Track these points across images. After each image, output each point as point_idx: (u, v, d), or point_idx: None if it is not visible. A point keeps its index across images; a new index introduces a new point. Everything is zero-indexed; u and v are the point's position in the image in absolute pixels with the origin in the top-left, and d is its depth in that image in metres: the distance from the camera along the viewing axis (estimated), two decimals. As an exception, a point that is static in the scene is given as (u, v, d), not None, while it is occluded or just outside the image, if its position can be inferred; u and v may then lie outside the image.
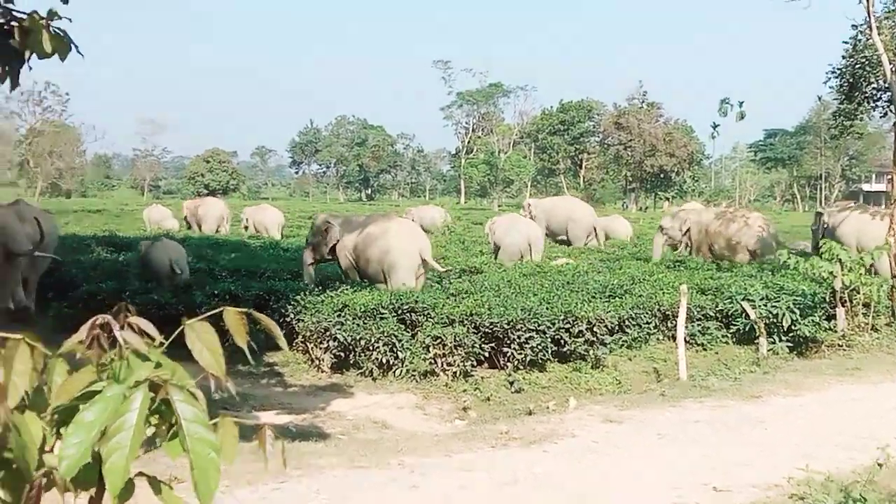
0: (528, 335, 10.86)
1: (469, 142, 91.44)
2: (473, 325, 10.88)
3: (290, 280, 14.29)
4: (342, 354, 11.02)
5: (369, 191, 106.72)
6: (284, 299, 12.23)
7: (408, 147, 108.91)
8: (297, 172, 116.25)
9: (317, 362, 11.12)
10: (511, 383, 10.53)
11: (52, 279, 14.32)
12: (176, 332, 1.68)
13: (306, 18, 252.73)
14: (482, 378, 10.73)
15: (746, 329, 12.63)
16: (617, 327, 12.04)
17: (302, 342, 11.29)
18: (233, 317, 1.75)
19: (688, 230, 20.45)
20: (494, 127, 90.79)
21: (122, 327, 1.69)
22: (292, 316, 11.44)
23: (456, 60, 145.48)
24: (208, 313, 1.78)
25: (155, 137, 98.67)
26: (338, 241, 14.54)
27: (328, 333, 10.94)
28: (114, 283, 13.28)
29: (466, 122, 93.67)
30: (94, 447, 1.52)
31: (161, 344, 1.70)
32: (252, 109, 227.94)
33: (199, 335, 1.68)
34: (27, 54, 4.45)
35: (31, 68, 4.66)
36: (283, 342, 1.96)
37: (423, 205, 42.50)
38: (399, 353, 10.72)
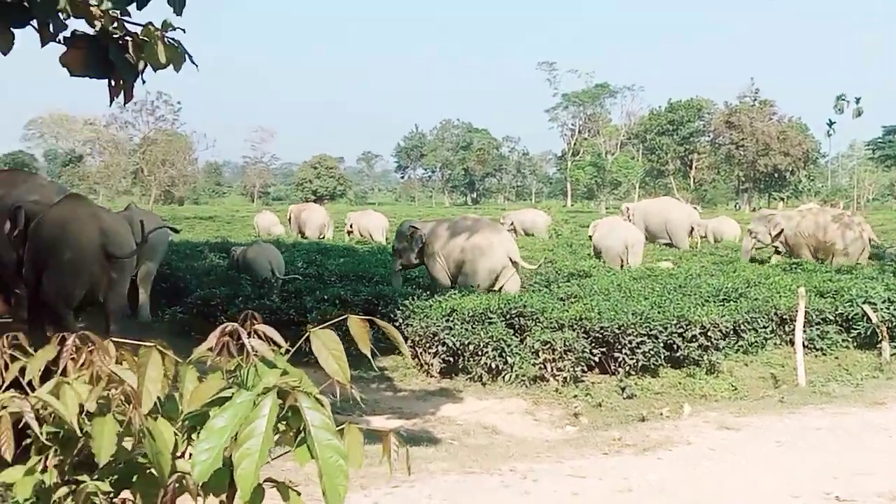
0: (639, 340, 10.72)
1: (575, 144, 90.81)
2: (583, 329, 10.77)
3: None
4: (451, 359, 11.02)
5: (475, 195, 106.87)
6: (393, 304, 12.31)
7: (513, 150, 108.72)
8: (402, 177, 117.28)
9: (426, 367, 11.15)
10: (623, 389, 10.39)
11: (166, 285, 14.71)
12: (301, 340, 1.69)
13: (411, 21, 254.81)
14: (593, 383, 10.62)
15: (868, 333, 12.22)
16: (732, 332, 11.77)
17: (411, 347, 11.33)
18: (356, 324, 1.76)
19: (778, 233, 20.06)
20: (601, 128, 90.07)
21: (249, 335, 1.71)
22: (401, 320, 11.50)
23: (561, 61, 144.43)
24: (332, 320, 1.79)
25: (264, 145, 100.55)
26: (423, 245, 14.66)
27: (437, 338, 10.96)
28: (226, 289, 13.55)
29: (572, 124, 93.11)
30: (224, 453, 1.54)
31: (287, 351, 1.71)
32: (358, 114, 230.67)
33: (324, 343, 1.69)
34: (141, 66, 4.56)
35: (144, 81, 4.77)
36: (404, 349, 1.96)
37: (526, 208, 42.20)
38: (508, 357, 10.67)
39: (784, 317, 12.43)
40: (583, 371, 10.66)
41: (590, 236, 23.13)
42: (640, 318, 10.87)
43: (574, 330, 10.74)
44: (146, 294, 13.98)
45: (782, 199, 75.63)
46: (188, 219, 45.35)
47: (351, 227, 32.05)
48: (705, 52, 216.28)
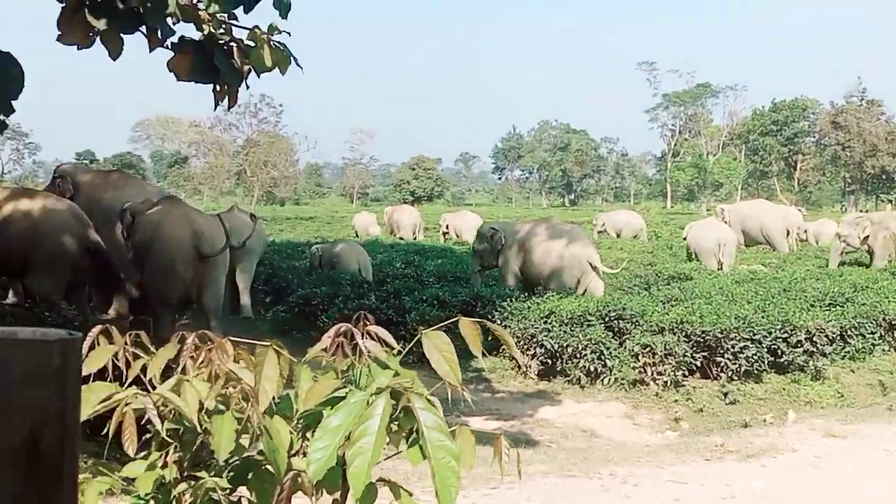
0: (742, 344, 10.52)
1: (675, 144, 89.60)
2: (684, 333, 10.62)
3: (495, 286, 14.37)
4: (549, 361, 10.98)
5: (572, 196, 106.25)
6: (491, 305, 12.32)
7: (611, 151, 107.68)
8: (499, 178, 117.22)
9: (524, 369, 11.13)
10: (725, 394, 10.21)
11: (269, 285, 15.00)
12: (413, 342, 1.71)
13: (508, 22, 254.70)
14: (694, 388, 10.46)
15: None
16: (838, 337, 11.46)
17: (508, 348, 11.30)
18: (468, 326, 1.77)
19: (867, 236, 19.46)
20: (702, 129, 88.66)
21: (362, 336, 1.74)
22: (499, 322, 11.49)
23: (661, 61, 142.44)
24: (443, 323, 1.80)
25: (363, 146, 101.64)
26: (502, 247, 14.71)
27: (535, 340, 10.94)
28: (327, 289, 13.72)
29: (672, 125, 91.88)
30: (338, 451, 1.56)
31: (398, 352, 1.74)
32: (456, 116, 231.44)
33: (436, 345, 1.71)
34: (246, 71, 4.66)
35: (248, 87, 4.86)
36: (516, 353, 1.98)
37: (619, 210, 41.64)
38: (607, 361, 10.59)
39: (893, 322, 12.08)
40: (684, 375, 10.51)
41: (684, 237, 22.85)
42: (744, 323, 10.68)
43: (675, 333, 10.61)
44: (247, 293, 14.35)
45: (890, 200, 73.35)
46: (289, 219, 46.14)
47: (446, 227, 32.18)
48: (811, 51, 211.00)
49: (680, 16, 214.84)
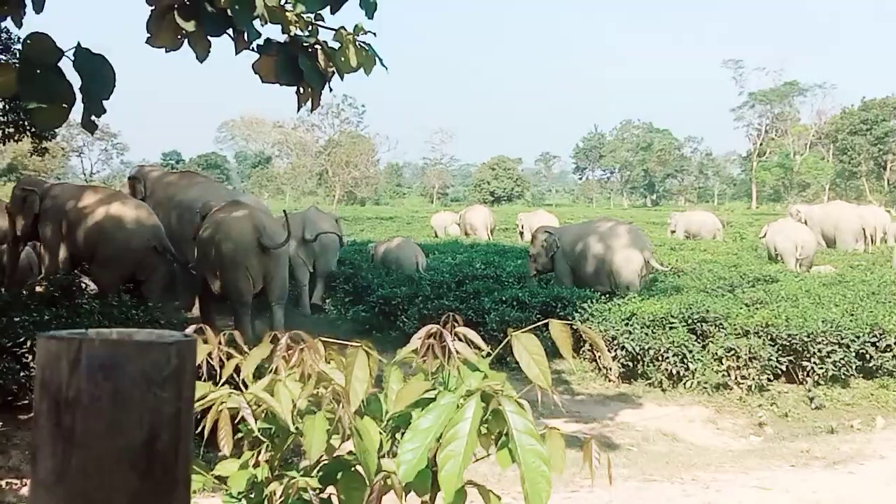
0: (829, 349, 10.30)
1: (761, 144, 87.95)
2: (769, 336, 10.44)
3: (575, 287, 14.29)
4: (630, 364, 10.88)
5: (654, 196, 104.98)
6: (571, 306, 12.25)
7: (695, 150, 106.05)
8: (580, 178, 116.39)
9: (604, 371, 11.05)
10: (811, 399, 10.01)
11: (349, 285, 15.13)
12: (502, 345, 1.71)
13: (591, 20, 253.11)
14: (779, 393, 10.27)
15: None
16: (931, 342, 11.14)
17: (589, 350, 11.26)
18: (558, 328, 1.77)
19: None
20: (789, 128, 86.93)
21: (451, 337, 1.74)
22: (578, 323, 11.38)
23: (747, 59, 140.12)
24: (533, 325, 1.80)
25: (444, 146, 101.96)
26: (556, 250, 14.82)
27: (616, 342, 10.84)
28: (406, 289, 13.79)
29: (758, 124, 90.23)
30: (428, 453, 1.57)
31: (487, 354, 1.74)
32: (537, 115, 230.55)
33: (526, 347, 1.71)
34: (330, 73, 4.70)
35: (332, 90, 4.91)
36: (607, 356, 1.99)
37: (696, 210, 40.84)
38: (689, 364, 10.46)
39: None
40: (768, 379, 10.34)
41: (761, 237, 22.54)
42: (831, 326, 10.45)
43: (760, 337, 10.43)
44: (319, 288, 15.16)
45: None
46: (370, 219, 46.48)
47: (522, 227, 32.14)
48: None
49: (767, 12, 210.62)
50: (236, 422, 1.73)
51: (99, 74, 3.36)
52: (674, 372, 10.49)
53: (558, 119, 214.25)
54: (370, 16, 4.72)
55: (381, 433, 1.72)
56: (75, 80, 3.36)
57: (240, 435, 1.84)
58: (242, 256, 11.17)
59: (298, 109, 4.91)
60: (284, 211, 12.62)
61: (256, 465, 1.77)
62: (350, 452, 1.72)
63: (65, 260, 11.71)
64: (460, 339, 1.77)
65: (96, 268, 11.49)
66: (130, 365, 0.93)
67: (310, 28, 4.71)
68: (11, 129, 15.87)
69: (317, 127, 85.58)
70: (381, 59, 4.76)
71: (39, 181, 13.51)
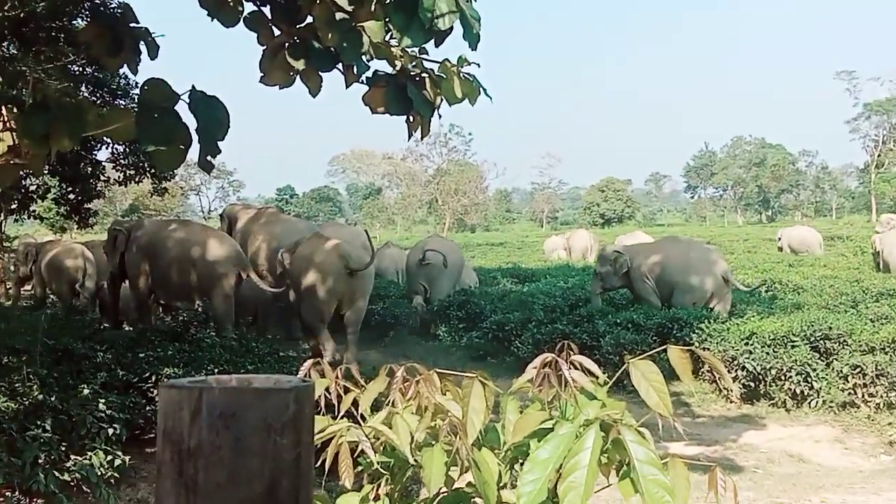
0: (961, 363, 9.89)
1: (879, 155, 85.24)
2: (897, 352, 10.09)
3: (692, 308, 14.05)
4: (752, 384, 10.62)
5: (769, 212, 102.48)
6: (688, 327, 12.05)
7: (810, 164, 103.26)
8: (692, 197, 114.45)
9: (725, 392, 10.81)
10: (944, 417, 9.62)
11: (462, 311, 15.18)
12: (619, 372, 1.70)
13: (696, 36, 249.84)
14: (910, 410, 9.90)
15: None
16: None
17: (709, 371, 11.03)
18: (677, 354, 1.74)
19: None
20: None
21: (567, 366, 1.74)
22: (697, 344, 11.21)
23: (861, 70, 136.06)
24: (650, 350, 1.78)
25: (551, 170, 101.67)
26: (628, 268, 14.81)
27: (736, 362, 10.61)
28: (519, 314, 13.79)
29: (875, 135, 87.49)
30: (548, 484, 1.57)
31: (605, 382, 1.73)
32: (645, 135, 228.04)
33: (644, 374, 1.69)
34: (438, 101, 4.74)
35: (440, 117, 4.96)
36: (728, 379, 1.94)
37: (797, 225, 39.66)
38: (814, 382, 10.16)
39: None
40: (898, 397, 9.98)
41: (873, 253, 21.91)
42: (962, 340, 10.04)
43: (887, 353, 10.07)
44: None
45: None
46: (480, 245, 46.64)
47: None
48: None
49: (879, 21, 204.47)
50: (356, 455, 1.75)
51: (213, 116, 3.47)
52: (797, 391, 10.22)
53: (667, 138, 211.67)
54: (473, 47, 4.75)
55: (499, 464, 1.72)
56: (191, 121, 3.47)
57: (360, 468, 1.87)
58: (330, 279, 12.02)
59: (409, 138, 4.96)
60: (366, 230, 13.56)
61: (377, 497, 1.79)
62: (469, 484, 1.72)
63: (148, 291, 12.83)
64: (576, 368, 1.76)
65: (193, 293, 12.49)
66: (250, 413, 0.94)
67: (414, 61, 4.78)
68: (132, 171, 16.67)
69: (425, 157, 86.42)
70: (485, 90, 4.79)
71: (126, 221, 14.96)
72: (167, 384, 0.98)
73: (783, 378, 10.29)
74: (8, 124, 4.11)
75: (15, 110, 4.07)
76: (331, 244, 12.22)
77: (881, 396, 9.80)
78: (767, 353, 10.50)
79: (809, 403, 10.15)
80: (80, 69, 14.64)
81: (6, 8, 11.44)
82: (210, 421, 0.94)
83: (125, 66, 4.26)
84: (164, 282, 12.63)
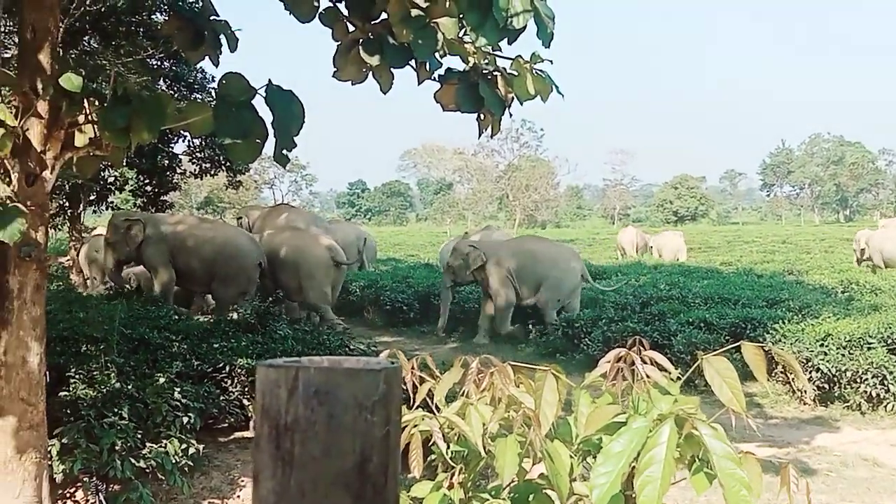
0: None
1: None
2: (978, 355, 9.85)
3: (766, 308, 13.84)
4: (826, 386, 10.45)
5: (847, 212, 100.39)
6: (762, 328, 11.88)
7: (890, 163, 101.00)
8: (768, 195, 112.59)
9: (799, 394, 10.66)
10: None
11: (531, 308, 15.16)
12: (692, 368, 1.71)
13: (773, 33, 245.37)
14: None
15: None
16: None
17: (781, 373, 10.89)
18: (752, 351, 1.75)
19: None
20: None
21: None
22: (771, 345, 11.02)
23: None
24: (724, 348, 1.79)
25: (624, 167, 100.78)
26: (482, 263, 15.07)
27: (810, 364, 10.44)
28: (590, 311, 13.75)
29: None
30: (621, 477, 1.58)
31: (678, 378, 1.73)
32: (720, 131, 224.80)
33: (718, 371, 1.69)
34: (509, 99, 4.75)
35: (511, 115, 4.96)
36: (802, 379, 1.94)
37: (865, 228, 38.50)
38: (890, 386, 9.95)
39: None
40: (979, 401, 9.74)
41: None
42: None
43: (967, 357, 9.86)
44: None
45: None
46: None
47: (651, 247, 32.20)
48: None
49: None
50: (430, 444, 1.78)
51: (289, 110, 3.53)
52: (873, 394, 10.03)
53: (743, 136, 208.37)
54: (547, 45, 4.75)
55: (571, 457, 1.74)
56: (267, 115, 3.54)
57: (432, 457, 1.90)
58: (320, 270, 14.41)
59: (480, 136, 4.99)
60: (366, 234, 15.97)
61: (450, 487, 1.82)
62: (541, 475, 1.74)
63: (172, 280, 14.01)
64: (648, 363, 1.77)
65: (218, 285, 13.92)
66: (342, 391, 0.99)
67: (487, 58, 4.79)
68: (208, 164, 17.06)
69: (496, 152, 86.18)
70: (557, 87, 4.79)
71: (134, 213, 15.66)
72: (265, 363, 1.04)
73: (858, 380, 10.11)
74: (90, 117, 4.24)
75: (96, 103, 4.18)
76: (315, 235, 15.12)
77: (961, 401, 9.58)
78: (843, 355, 10.32)
79: (885, 407, 9.97)
80: (159, 63, 14.97)
81: (87, 3, 11.74)
82: (305, 398, 1.00)
83: (206, 58, 4.36)
84: (188, 272, 13.96)
